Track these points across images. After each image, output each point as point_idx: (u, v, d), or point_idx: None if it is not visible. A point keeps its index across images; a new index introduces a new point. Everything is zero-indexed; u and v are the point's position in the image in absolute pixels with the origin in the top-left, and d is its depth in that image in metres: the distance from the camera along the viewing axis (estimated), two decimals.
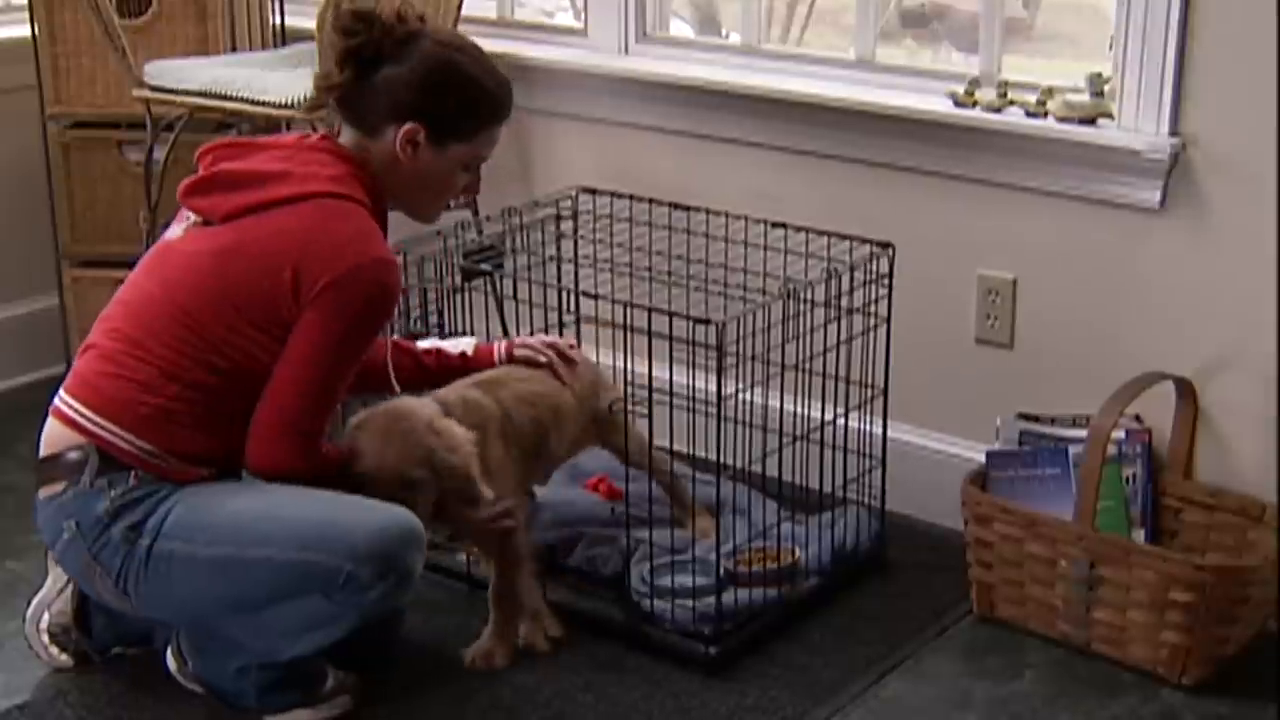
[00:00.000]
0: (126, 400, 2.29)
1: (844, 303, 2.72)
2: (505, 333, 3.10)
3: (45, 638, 2.57)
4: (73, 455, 2.30)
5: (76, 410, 2.32)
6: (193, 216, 2.38)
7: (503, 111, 2.44)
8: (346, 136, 2.41)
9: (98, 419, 2.30)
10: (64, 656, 2.58)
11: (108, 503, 2.28)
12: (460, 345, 2.73)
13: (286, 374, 2.28)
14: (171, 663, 2.48)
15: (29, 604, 2.59)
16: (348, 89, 2.36)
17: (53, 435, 2.35)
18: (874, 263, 2.76)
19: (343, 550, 2.25)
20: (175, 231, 2.40)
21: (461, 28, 3.33)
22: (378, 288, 2.28)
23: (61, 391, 2.37)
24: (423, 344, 2.71)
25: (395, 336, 2.65)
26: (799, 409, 2.75)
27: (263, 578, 2.26)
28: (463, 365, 2.68)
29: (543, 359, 2.68)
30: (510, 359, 2.69)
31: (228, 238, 2.30)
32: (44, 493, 2.35)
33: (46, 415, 2.40)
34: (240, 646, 2.37)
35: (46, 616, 2.57)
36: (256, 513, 2.30)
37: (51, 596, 2.57)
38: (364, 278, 2.25)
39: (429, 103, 2.35)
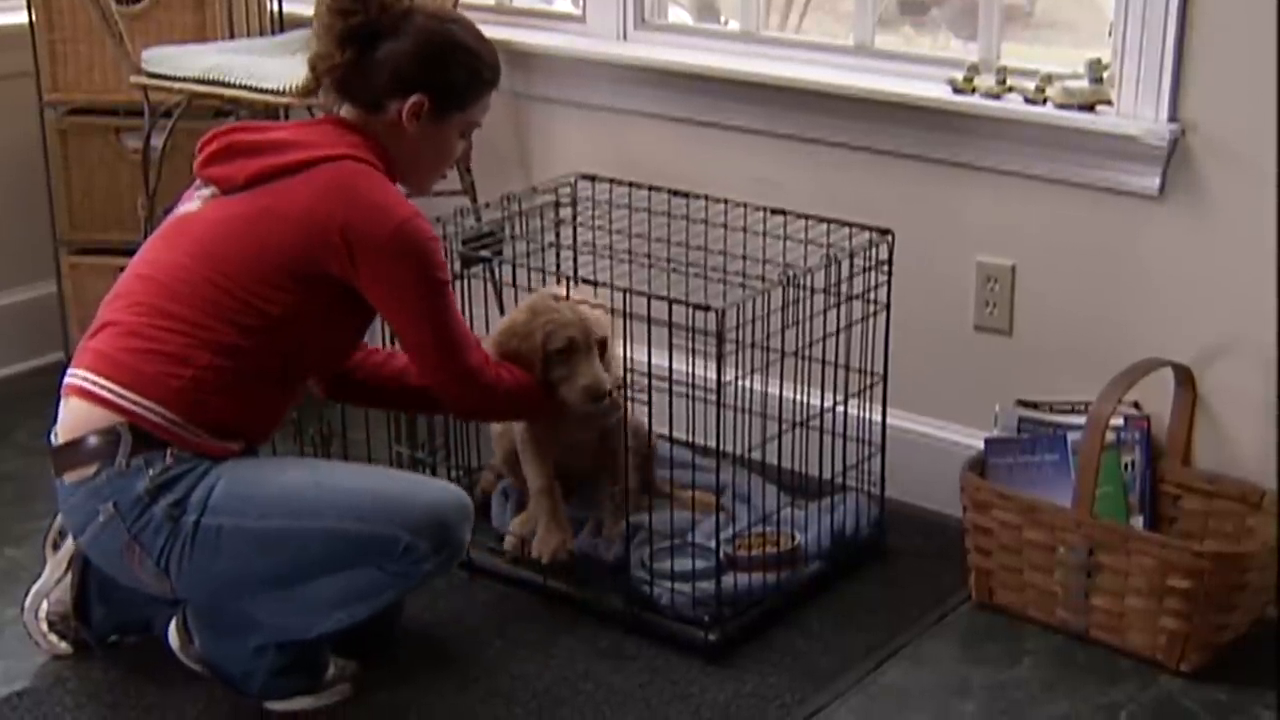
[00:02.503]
0: (157, 373, 2.27)
1: (843, 289, 2.72)
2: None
3: (44, 626, 2.57)
4: (101, 437, 2.27)
5: (105, 387, 2.29)
6: (208, 191, 2.39)
7: (497, 78, 2.50)
8: (348, 113, 2.44)
9: (129, 394, 2.27)
10: (63, 644, 2.58)
11: (147, 481, 2.26)
12: None
13: (411, 345, 2.39)
14: (174, 639, 2.47)
15: (27, 593, 2.59)
16: (348, 68, 2.39)
17: (78, 415, 2.31)
18: (873, 249, 2.76)
19: (401, 520, 2.28)
20: (190, 206, 2.40)
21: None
22: (416, 246, 2.31)
23: (81, 370, 2.33)
24: None
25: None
26: (798, 396, 2.75)
27: (317, 550, 2.27)
28: None
29: None
30: None
31: (261, 201, 2.32)
32: (70, 478, 2.31)
33: (45, 403, 2.38)
34: (258, 626, 2.36)
35: (45, 605, 2.57)
36: (310, 485, 2.32)
37: (49, 585, 2.57)
38: (403, 242, 2.30)
39: (432, 74, 2.40)
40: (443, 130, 2.45)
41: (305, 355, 2.39)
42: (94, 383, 2.30)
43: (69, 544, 2.54)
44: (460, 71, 2.43)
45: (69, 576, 2.55)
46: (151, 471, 2.26)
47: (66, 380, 2.36)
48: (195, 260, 2.32)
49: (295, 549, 2.28)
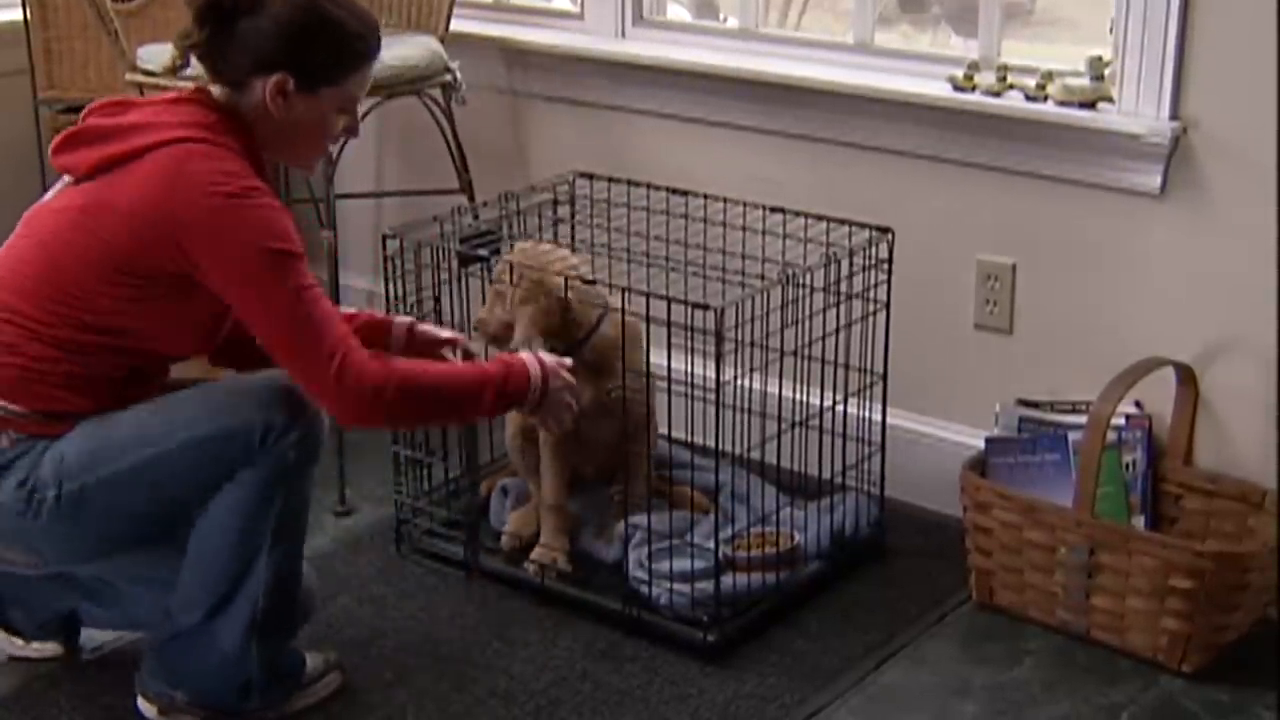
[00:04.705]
0: None
1: (843, 288, 2.71)
2: None
3: (19, 641, 2.56)
4: None
5: None
6: (66, 177, 2.32)
7: (371, 50, 2.34)
8: (217, 91, 2.33)
9: None
10: (49, 646, 2.57)
11: None
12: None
13: (267, 339, 2.21)
14: (147, 709, 2.41)
15: None
16: (207, 46, 2.28)
17: None
18: (873, 248, 2.75)
19: (251, 406, 2.25)
20: (49, 195, 2.34)
21: (457, 11, 3.31)
22: (252, 215, 2.18)
23: None
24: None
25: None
26: (798, 395, 2.74)
27: (181, 465, 2.23)
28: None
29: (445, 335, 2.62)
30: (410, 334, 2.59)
31: (96, 194, 2.23)
32: None
33: None
34: (212, 628, 2.32)
35: None
36: (153, 414, 2.27)
37: None
38: (237, 214, 2.17)
39: (293, 52, 2.26)
40: (315, 108, 2.30)
41: (152, 353, 2.31)
42: None
43: None
44: (325, 47, 2.28)
45: None
46: None
47: None
48: (34, 253, 2.26)
49: (163, 473, 2.24)
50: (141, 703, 2.43)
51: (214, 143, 2.23)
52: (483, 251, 2.79)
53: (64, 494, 2.23)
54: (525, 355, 2.41)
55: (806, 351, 2.69)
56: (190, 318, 2.28)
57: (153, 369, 2.35)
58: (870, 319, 2.77)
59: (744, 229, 2.88)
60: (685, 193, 2.96)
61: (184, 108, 2.29)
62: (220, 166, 2.20)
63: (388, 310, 2.81)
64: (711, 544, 2.61)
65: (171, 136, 2.22)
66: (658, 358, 2.60)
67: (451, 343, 2.58)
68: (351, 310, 2.59)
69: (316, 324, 2.19)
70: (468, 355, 2.58)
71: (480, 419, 2.67)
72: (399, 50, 3.03)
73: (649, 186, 2.98)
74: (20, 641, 2.56)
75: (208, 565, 2.30)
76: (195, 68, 2.35)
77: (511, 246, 2.85)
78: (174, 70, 2.36)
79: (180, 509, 2.28)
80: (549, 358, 2.43)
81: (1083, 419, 2.61)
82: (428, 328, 2.59)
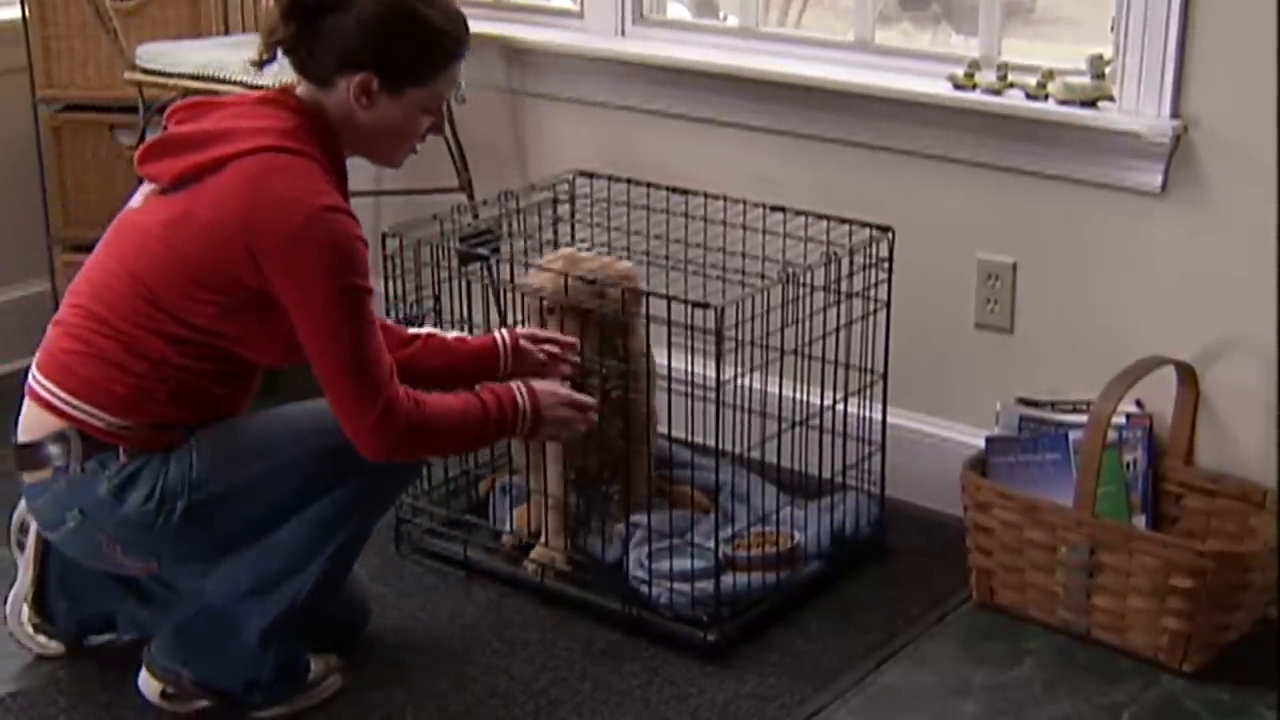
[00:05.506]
0: (99, 380, 2.24)
1: (843, 287, 2.70)
2: (502, 318, 3.09)
3: (29, 629, 2.55)
4: (54, 443, 2.26)
5: (52, 392, 2.27)
6: (151, 186, 2.31)
7: (459, 49, 2.32)
8: (301, 89, 2.30)
9: (74, 401, 2.25)
10: (52, 644, 2.56)
11: (106, 483, 2.24)
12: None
13: (322, 367, 2.21)
14: (153, 689, 2.41)
15: (6, 600, 2.57)
16: (293, 42, 2.27)
17: (31, 419, 2.30)
18: (874, 247, 2.74)
19: None
20: (135, 201, 2.33)
21: None
22: (330, 237, 2.17)
23: (35, 371, 2.31)
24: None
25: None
26: (798, 394, 2.74)
27: (306, 473, 2.27)
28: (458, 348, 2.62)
29: (542, 356, 2.63)
30: (516, 346, 2.62)
31: (178, 206, 2.23)
32: (31, 479, 2.31)
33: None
34: (247, 616, 2.33)
35: (25, 609, 2.55)
36: (282, 420, 2.32)
37: (27, 588, 2.54)
38: (315, 232, 2.16)
39: (379, 51, 2.24)
40: (400, 107, 2.28)
41: (245, 360, 2.31)
42: (43, 386, 2.29)
43: (32, 541, 2.52)
44: (411, 46, 2.25)
45: (30, 573, 2.53)
46: (108, 473, 2.24)
47: (28, 380, 2.33)
48: (121, 265, 2.25)
49: (284, 482, 2.27)
50: (144, 677, 2.42)
51: (295, 152, 2.22)
52: (482, 250, 2.79)
53: (194, 503, 2.25)
54: (514, 384, 2.42)
55: (807, 350, 2.69)
56: (276, 328, 2.25)
57: (249, 377, 2.36)
58: (870, 318, 2.77)
59: (744, 228, 2.88)
60: (685, 191, 2.96)
61: (266, 109, 2.28)
62: (299, 182, 2.19)
63: (387, 310, 2.81)
64: (711, 543, 2.61)
65: (253, 146, 2.20)
66: (658, 357, 2.59)
67: (556, 371, 2.61)
68: (426, 330, 2.60)
69: (370, 368, 2.21)
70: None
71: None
72: None
73: (649, 185, 2.98)
74: (43, 639, 2.55)
75: (269, 552, 2.32)
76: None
77: (511, 247, 2.85)
78: (259, 64, 2.34)
79: (290, 512, 2.30)
80: (540, 383, 2.44)
81: (1083, 418, 2.61)
82: (528, 347, 2.61)
